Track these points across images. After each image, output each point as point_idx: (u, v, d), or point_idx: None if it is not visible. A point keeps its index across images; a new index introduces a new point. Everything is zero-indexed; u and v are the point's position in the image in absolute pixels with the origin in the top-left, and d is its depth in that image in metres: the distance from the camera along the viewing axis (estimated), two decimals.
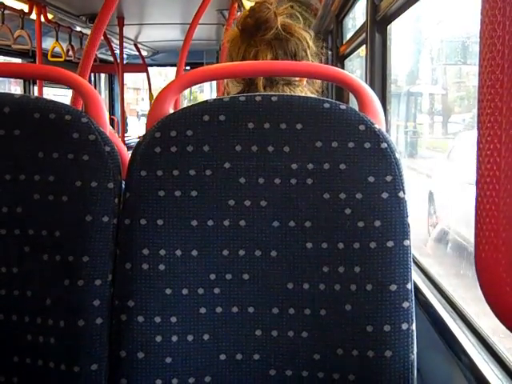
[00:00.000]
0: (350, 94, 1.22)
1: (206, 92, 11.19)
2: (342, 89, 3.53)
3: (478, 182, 0.69)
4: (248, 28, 1.45)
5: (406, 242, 1.09)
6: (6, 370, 1.16)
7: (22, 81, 6.62)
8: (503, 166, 0.67)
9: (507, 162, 0.66)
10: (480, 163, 0.68)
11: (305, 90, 1.47)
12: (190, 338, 1.11)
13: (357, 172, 1.10)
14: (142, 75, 8.62)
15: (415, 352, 1.10)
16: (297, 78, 1.46)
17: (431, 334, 1.39)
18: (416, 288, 1.52)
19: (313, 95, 1.45)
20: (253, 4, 1.51)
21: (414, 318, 1.10)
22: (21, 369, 1.16)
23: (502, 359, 1.15)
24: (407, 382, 1.08)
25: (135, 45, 7.32)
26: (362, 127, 1.11)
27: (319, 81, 1.53)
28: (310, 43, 1.47)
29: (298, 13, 1.52)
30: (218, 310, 1.12)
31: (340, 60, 3.76)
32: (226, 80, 1.56)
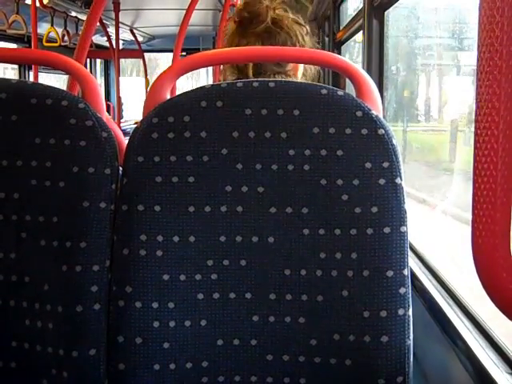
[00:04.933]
0: (347, 80, 1.22)
1: (203, 78, 11.13)
2: (338, 75, 3.52)
3: (475, 169, 0.69)
4: (243, 21, 1.50)
5: (403, 228, 1.10)
6: (4, 356, 1.17)
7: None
8: (500, 152, 0.67)
9: (504, 149, 0.67)
10: (477, 149, 0.68)
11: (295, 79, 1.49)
12: (187, 323, 1.12)
13: (354, 158, 1.10)
14: None
15: (411, 337, 1.10)
16: (289, 69, 1.48)
17: (427, 320, 1.40)
18: (412, 274, 1.53)
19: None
20: None
21: (411, 303, 1.11)
22: (19, 354, 1.16)
23: (498, 344, 1.16)
24: (403, 367, 1.09)
25: (131, 30, 7.28)
26: (359, 113, 1.11)
27: (313, 70, 1.54)
28: (300, 38, 1.50)
29: (294, 1, 1.57)
30: (216, 295, 1.12)
31: (337, 46, 3.75)
32: (223, 67, 1.58)
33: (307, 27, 1.54)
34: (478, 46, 0.68)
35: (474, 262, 0.71)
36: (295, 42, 1.49)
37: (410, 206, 1.12)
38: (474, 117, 0.69)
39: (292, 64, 1.50)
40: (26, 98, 1.17)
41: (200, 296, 1.12)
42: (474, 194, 0.70)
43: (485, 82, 0.67)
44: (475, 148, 0.69)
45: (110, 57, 7.11)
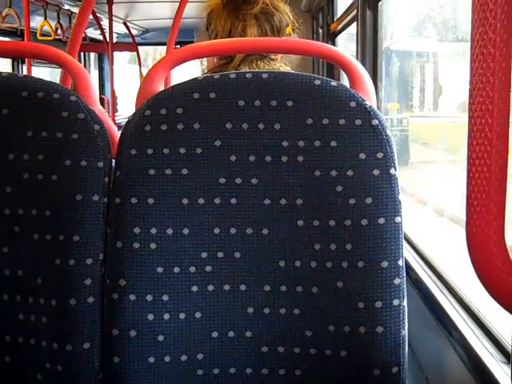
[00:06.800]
0: (341, 71, 1.21)
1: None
2: (332, 66, 3.51)
3: (469, 158, 0.69)
4: (234, 1, 1.42)
5: (398, 219, 1.10)
6: None
7: None
8: (494, 140, 0.67)
9: (498, 137, 0.67)
10: (471, 138, 0.68)
11: (279, 64, 1.46)
12: (182, 316, 1.11)
13: (348, 149, 1.10)
14: None
15: (406, 328, 1.10)
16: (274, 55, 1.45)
17: (422, 310, 1.40)
18: (407, 264, 1.53)
19: (288, 68, 1.44)
20: None
21: (406, 294, 1.11)
22: (13, 348, 1.16)
23: (492, 333, 1.16)
24: (398, 358, 1.09)
25: (125, 23, 7.25)
26: (352, 104, 1.10)
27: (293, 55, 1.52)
28: (291, 17, 1.46)
29: None
30: (210, 288, 1.12)
31: (331, 37, 3.75)
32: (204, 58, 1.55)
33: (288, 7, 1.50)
34: (472, 36, 0.67)
35: (468, 251, 0.71)
36: (288, 22, 1.45)
37: None
38: None
39: None
40: (17, 91, 1.16)
41: (194, 288, 1.12)
42: (468, 184, 0.69)
43: (478, 70, 0.67)
44: (469, 136, 0.69)
45: (104, 50, 7.07)
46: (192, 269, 1.12)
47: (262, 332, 1.12)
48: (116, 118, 6.71)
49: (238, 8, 1.42)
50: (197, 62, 1.46)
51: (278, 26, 1.43)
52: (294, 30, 1.50)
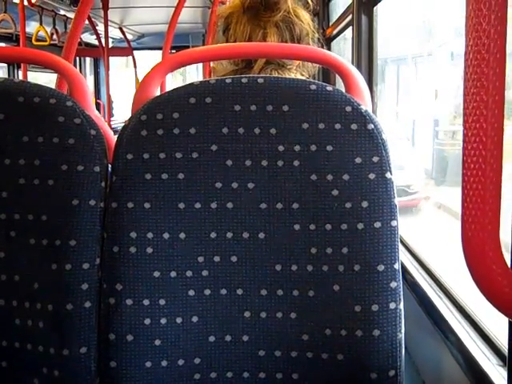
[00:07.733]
0: (337, 76, 1.22)
1: (193, 74, 11.10)
2: (328, 70, 3.52)
3: (464, 162, 0.69)
4: (255, 6, 1.40)
5: (394, 223, 1.10)
6: None
7: None
8: (489, 145, 0.67)
9: (493, 141, 0.67)
10: (466, 143, 0.68)
11: (294, 73, 1.45)
12: (178, 320, 1.11)
13: (344, 153, 1.10)
14: None
15: (403, 331, 1.11)
16: (289, 62, 1.43)
17: (419, 313, 1.40)
18: (403, 268, 1.53)
19: (303, 78, 1.44)
20: None
21: (402, 297, 1.11)
22: (10, 353, 1.16)
23: (488, 336, 1.16)
24: (395, 361, 1.09)
25: (120, 28, 7.26)
26: (348, 108, 1.11)
27: (311, 64, 1.50)
28: (312, 28, 1.43)
29: None
30: (207, 292, 1.12)
31: (326, 42, 3.75)
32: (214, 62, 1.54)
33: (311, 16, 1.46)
34: (466, 42, 0.68)
35: (463, 255, 0.71)
36: (309, 32, 1.41)
37: None
38: None
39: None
40: (14, 96, 1.16)
41: (191, 292, 1.12)
42: (464, 188, 0.70)
43: (473, 75, 0.67)
44: (464, 142, 0.69)
45: (100, 55, 7.08)
46: (189, 273, 1.12)
47: (259, 336, 1.12)
48: (112, 123, 6.72)
49: (259, 14, 1.39)
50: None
51: (299, 36, 1.41)
52: (313, 39, 1.47)
